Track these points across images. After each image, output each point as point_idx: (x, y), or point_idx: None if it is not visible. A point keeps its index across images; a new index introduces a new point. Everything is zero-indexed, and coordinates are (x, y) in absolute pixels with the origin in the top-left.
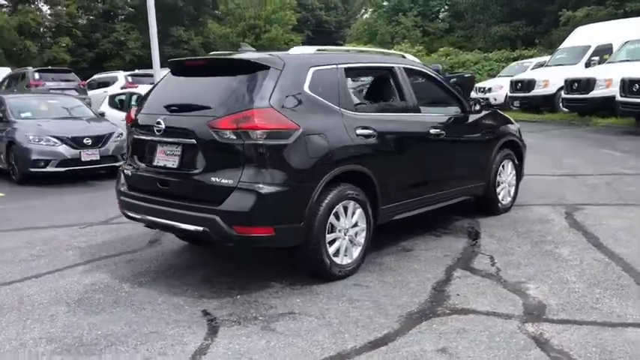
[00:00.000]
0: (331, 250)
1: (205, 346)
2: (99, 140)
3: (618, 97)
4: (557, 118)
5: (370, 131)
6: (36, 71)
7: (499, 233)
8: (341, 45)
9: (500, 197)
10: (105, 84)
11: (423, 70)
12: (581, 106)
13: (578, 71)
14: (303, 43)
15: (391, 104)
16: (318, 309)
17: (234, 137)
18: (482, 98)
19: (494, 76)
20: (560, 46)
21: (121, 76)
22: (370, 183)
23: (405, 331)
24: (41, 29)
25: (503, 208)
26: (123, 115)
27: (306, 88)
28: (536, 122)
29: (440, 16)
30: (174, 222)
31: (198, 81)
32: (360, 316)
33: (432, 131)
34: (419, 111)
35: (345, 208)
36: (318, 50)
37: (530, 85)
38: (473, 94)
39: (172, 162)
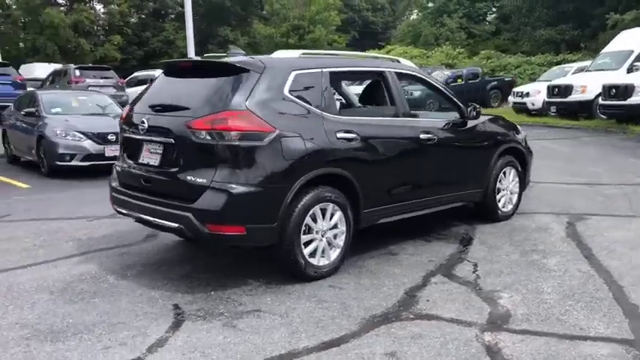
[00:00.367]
0: (307, 251)
1: (165, 338)
2: None
3: None
4: (593, 125)
5: (353, 135)
6: (77, 68)
7: (492, 241)
8: (382, 47)
9: (500, 204)
10: (144, 82)
11: (418, 75)
12: (618, 112)
13: (617, 77)
14: (348, 45)
15: (379, 108)
16: (285, 308)
17: (209, 138)
18: (519, 103)
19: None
20: (603, 51)
21: (159, 74)
22: (351, 186)
23: (362, 334)
24: (94, 27)
25: (504, 216)
26: None
27: (286, 91)
28: (570, 129)
29: (487, 19)
30: (153, 218)
31: (184, 82)
32: (323, 317)
33: (423, 136)
34: (410, 115)
35: (324, 210)
36: (303, 54)
37: (567, 90)
38: (510, 99)
39: (154, 160)
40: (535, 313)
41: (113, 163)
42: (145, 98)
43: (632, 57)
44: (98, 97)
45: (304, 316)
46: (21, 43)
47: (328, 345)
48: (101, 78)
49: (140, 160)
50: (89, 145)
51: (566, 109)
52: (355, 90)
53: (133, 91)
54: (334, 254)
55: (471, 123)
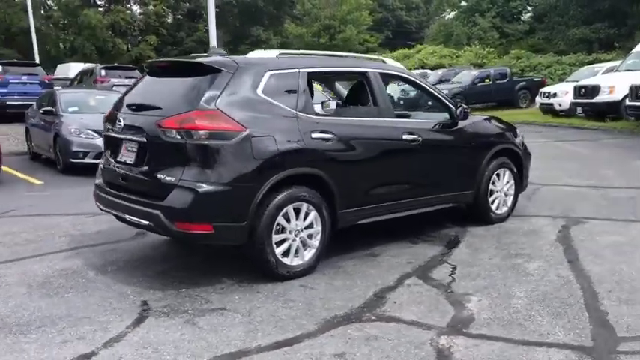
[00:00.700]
0: (279, 250)
1: (124, 333)
2: None
3: None
4: (619, 127)
5: (329, 135)
6: (102, 68)
7: (479, 243)
8: (411, 47)
9: (493, 207)
10: None
11: (405, 75)
12: None
13: None
14: (380, 45)
15: (361, 109)
16: (250, 307)
17: (179, 137)
18: (546, 103)
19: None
20: (633, 50)
21: None
22: (327, 187)
23: (318, 334)
24: (131, 28)
25: (498, 218)
26: None
27: (259, 91)
28: (595, 130)
29: (522, 18)
30: (128, 215)
31: (161, 82)
32: (285, 317)
33: (406, 137)
34: (392, 116)
35: (297, 210)
36: (281, 54)
37: (594, 90)
38: (537, 99)
39: (130, 158)
40: (499, 317)
41: None
42: (126, 97)
43: None
44: (116, 96)
45: (266, 315)
46: (60, 44)
47: (281, 344)
48: (126, 77)
49: (119, 159)
50: (102, 143)
51: (593, 110)
52: None
53: None
54: (309, 254)
55: (461, 124)
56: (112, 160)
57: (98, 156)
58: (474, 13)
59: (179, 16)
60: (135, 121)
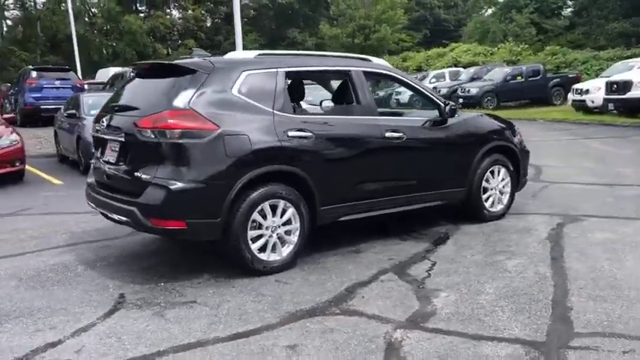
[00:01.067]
0: (256, 246)
1: (94, 324)
2: None
3: None
4: None
5: (307, 133)
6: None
7: (466, 241)
8: (446, 45)
9: (487, 204)
10: None
11: (392, 74)
12: None
13: None
14: (417, 43)
15: (342, 107)
16: (220, 300)
17: (153, 136)
18: (579, 100)
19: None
20: None
21: None
22: (304, 184)
23: (278, 327)
24: (170, 32)
25: (493, 216)
26: None
27: (234, 90)
28: (626, 127)
29: (562, 13)
30: (109, 212)
31: (143, 83)
32: (251, 310)
33: (389, 134)
34: (375, 114)
35: (274, 207)
36: (260, 55)
37: (625, 86)
38: (570, 96)
39: (113, 157)
40: (460, 312)
41: None
42: (112, 98)
43: None
44: None
45: (233, 309)
46: (103, 50)
47: (238, 336)
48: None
49: (104, 158)
50: None
51: (625, 107)
52: None
53: None
54: (287, 250)
55: (451, 121)
56: (99, 159)
57: None
58: (511, 9)
59: (217, 20)
60: (116, 122)
